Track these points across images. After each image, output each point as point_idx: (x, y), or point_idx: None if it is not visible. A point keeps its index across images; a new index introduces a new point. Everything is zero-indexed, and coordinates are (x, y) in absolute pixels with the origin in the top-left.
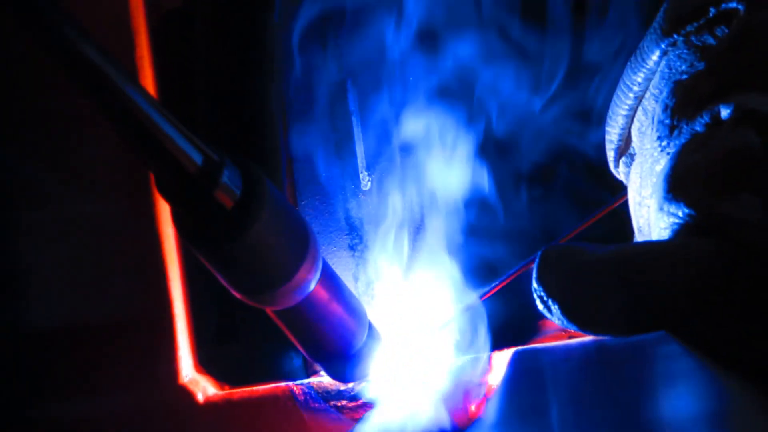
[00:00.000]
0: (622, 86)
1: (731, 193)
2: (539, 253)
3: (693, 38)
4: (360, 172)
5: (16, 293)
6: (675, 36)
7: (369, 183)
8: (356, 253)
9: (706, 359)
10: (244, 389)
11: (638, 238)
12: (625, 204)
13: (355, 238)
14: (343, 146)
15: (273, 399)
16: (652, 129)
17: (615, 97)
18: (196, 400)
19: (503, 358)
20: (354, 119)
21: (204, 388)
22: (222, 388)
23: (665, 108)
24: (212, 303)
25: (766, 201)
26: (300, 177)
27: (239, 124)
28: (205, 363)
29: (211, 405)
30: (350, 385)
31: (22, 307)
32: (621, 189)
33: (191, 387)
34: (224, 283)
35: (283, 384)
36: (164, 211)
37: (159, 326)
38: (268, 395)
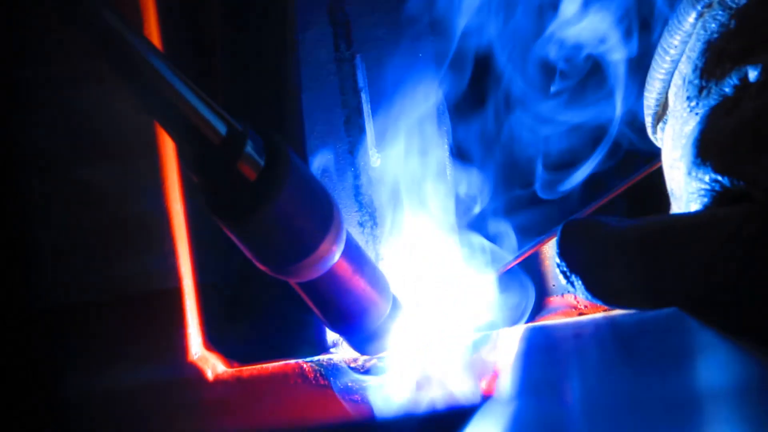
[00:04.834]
0: (660, 50)
1: (757, 157)
2: (560, 227)
3: None
4: (369, 148)
5: (25, 270)
6: None
7: (378, 160)
8: (366, 230)
9: (728, 333)
10: (253, 366)
11: (671, 201)
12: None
13: (365, 215)
14: (352, 122)
15: (282, 376)
16: (683, 91)
17: (653, 62)
18: (206, 377)
19: (512, 334)
20: (363, 95)
21: (213, 365)
22: (231, 366)
23: (695, 69)
24: (221, 281)
25: None
26: (309, 153)
27: (257, 96)
28: (213, 341)
29: (220, 382)
30: (367, 358)
31: (32, 283)
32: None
33: (200, 364)
34: (248, 255)
35: (292, 361)
36: (173, 187)
37: (168, 304)
38: (278, 372)
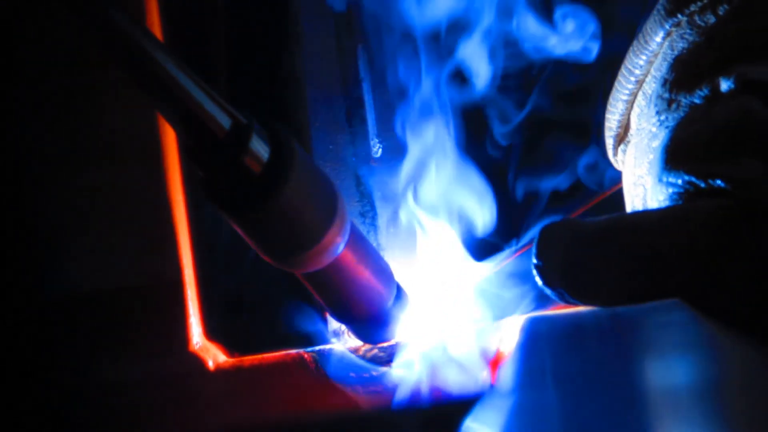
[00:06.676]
0: (624, 71)
1: (733, 156)
2: (538, 230)
3: (696, 17)
4: (371, 139)
5: (25, 264)
6: (679, 16)
7: (380, 150)
8: (367, 220)
9: (714, 324)
10: (254, 357)
11: None
12: (620, 192)
13: (366, 205)
14: (353, 113)
15: (283, 366)
16: (650, 107)
17: (616, 83)
18: (207, 367)
19: (515, 325)
20: (365, 86)
21: (214, 355)
22: (232, 356)
23: (664, 83)
24: (221, 271)
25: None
26: (311, 143)
27: (260, 88)
28: (214, 331)
29: (221, 372)
30: (370, 347)
31: (31, 277)
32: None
33: (202, 354)
34: (253, 246)
35: (293, 351)
36: (175, 179)
37: (169, 294)
38: (279, 362)
